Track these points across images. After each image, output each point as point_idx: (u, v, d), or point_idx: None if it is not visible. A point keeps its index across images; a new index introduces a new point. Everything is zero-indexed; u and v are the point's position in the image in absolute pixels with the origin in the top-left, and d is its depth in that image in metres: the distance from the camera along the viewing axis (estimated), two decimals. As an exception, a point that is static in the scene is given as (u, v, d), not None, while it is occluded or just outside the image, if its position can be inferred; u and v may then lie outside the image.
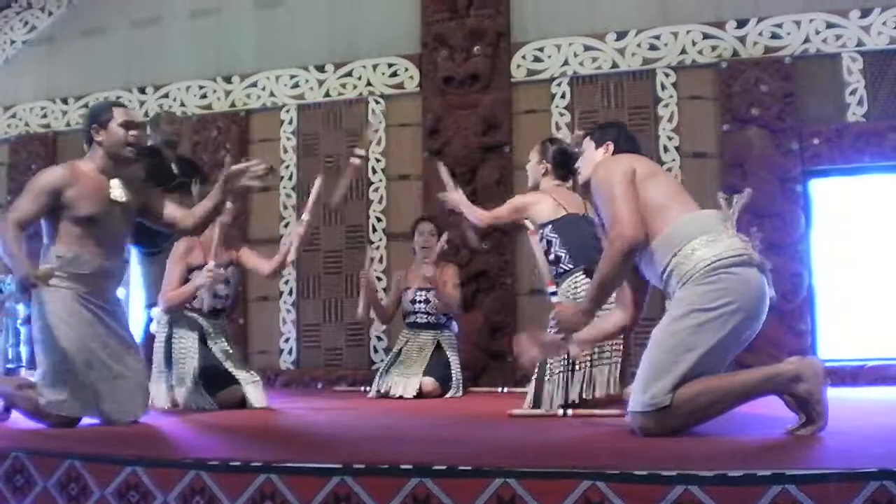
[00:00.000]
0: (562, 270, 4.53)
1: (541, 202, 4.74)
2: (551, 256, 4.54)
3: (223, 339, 5.18)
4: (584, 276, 4.43)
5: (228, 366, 5.06)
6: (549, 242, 4.58)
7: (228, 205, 4.82)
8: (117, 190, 4.02)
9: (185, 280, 5.09)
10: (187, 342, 5.05)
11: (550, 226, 4.61)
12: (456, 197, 5.19)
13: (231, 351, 5.18)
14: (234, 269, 5.30)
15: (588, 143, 3.70)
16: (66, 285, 3.88)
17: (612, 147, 3.61)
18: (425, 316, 6.06)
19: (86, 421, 3.91)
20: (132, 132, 4.05)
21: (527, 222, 4.31)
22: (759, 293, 3.12)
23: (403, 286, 6.17)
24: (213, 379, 4.98)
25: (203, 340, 5.08)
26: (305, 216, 5.14)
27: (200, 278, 4.98)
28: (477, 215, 5.05)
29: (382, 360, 6.61)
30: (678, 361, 3.02)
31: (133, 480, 2.64)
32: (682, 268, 3.13)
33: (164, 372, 5.02)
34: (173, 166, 6.22)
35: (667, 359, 3.04)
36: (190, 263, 5.12)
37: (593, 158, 3.62)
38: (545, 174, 4.83)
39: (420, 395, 5.70)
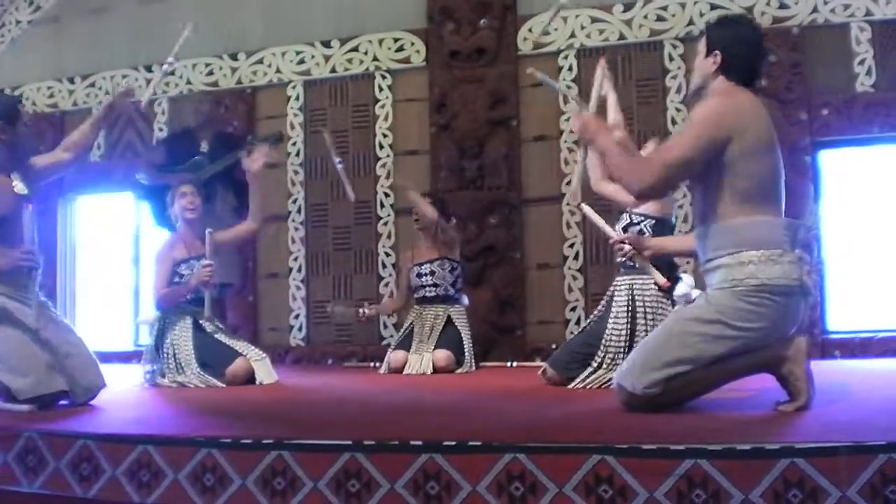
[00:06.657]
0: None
1: None
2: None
3: (215, 320, 5.21)
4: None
5: (223, 338, 5.10)
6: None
7: (193, 199, 5.16)
8: (20, 184, 3.90)
9: (173, 276, 5.13)
10: (180, 330, 5.04)
11: None
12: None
13: (223, 327, 5.25)
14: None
15: (701, 44, 3.25)
16: None
17: (719, 59, 3.14)
18: (433, 289, 6.03)
19: (95, 401, 3.93)
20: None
21: None
22: (793, 322, 3.06)
23: (409, 266, 6.15)
24: (215, 357, 4.99)
25: (196, 326, 5.09)
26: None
27: (196, 277, 4.96)
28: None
29: (392, 336, 6.61)
30: (682, 362, 3.00)
31: (145, 459, 2.66)
32: (730, 271, 3.02)
33: (156, 358, 5.04)
34: (203, 144, 6.28)
35: (673, 353, 3.02)
36: (175, 258, 5.15)
37: (704, 69, 3.22)
38: None
39: (434, 370, 5.68)
